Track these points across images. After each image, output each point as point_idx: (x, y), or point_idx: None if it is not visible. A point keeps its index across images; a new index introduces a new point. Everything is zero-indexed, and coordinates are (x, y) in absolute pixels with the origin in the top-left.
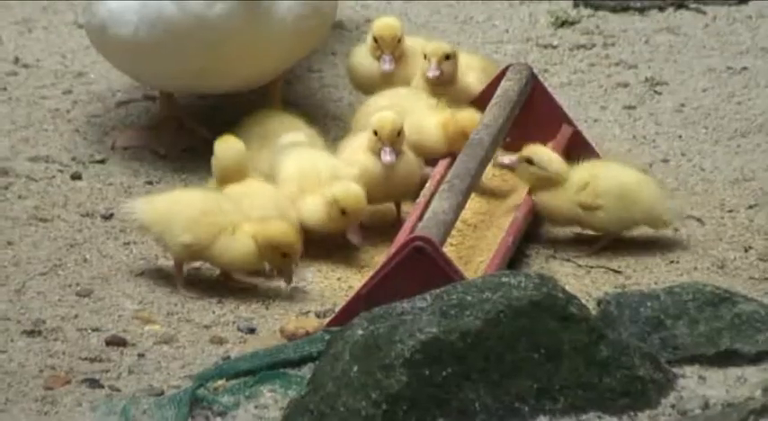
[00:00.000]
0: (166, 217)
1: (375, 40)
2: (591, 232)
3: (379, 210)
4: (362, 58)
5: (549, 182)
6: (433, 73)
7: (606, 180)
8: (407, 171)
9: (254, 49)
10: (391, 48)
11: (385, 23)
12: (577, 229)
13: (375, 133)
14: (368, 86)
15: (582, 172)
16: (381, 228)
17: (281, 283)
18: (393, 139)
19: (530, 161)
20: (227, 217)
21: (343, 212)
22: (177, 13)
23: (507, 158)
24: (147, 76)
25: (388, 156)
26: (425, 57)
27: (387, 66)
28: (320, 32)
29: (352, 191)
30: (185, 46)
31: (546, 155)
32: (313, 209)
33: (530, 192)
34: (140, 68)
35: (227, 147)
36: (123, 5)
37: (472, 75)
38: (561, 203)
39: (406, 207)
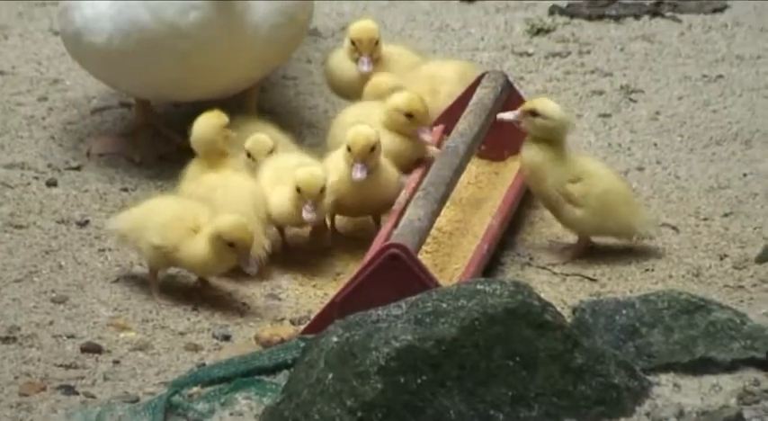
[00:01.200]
0: (141, 223)
1: (353, 42)
2: (564, 238)
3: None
4: (340, 61)
5: (555, 133)
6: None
7: (596, 181)
8: (382, 185)
9: (228, 58)
10: (369, 49)
11: (362, 26)
12: (552, 237)
13: (348, 149)
14: (345, 90)
15: (578, 165)
16: (358, 236)
17: (256, 291)
18: (365, 155)
19: (534, 113)
20: (197, 220)
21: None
22: (151, 21)
23: (510, 114)
24: (122, 84)
25: (358, 173)
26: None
27: (365, 67)
28: (295, 40)
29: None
30: (159, 54)
31: (549, 105)
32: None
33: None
34: (115, 76)
35: (208, 121)
36: (98, 14)
37: (444, 88)
38: (551, 185)
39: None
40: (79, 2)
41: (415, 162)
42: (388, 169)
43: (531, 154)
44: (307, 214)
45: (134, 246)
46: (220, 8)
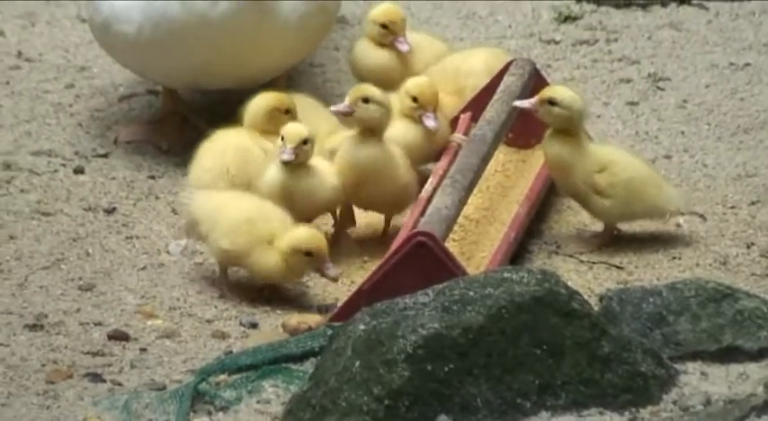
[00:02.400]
0: (213, 219)
1: (384, 26)
2: (591, 226)
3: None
4: (364, 49)
5: (572, 122)
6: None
7: (621, 170)
8: (312, 185)
9: (257, 47)
10: (403, 30)
11: (389, 8)
12: (579, 225)
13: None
14: (370, 78)
15: (601, 154)
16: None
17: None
18: (298, 148)
19: (552, 102)
20: (271, 228)
21: None
22: (181, 12)
23: (527, 102)
24: (150, 73)
25: (285, 155)
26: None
27: (405, 46)
28: (324, 29)
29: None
30: (189, 45)
31: (568, 94)
32: None
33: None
34: (144, 65)
35: (262, 100)
36: (127, 4)
37: (470, 82)
38: (578, 174)
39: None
40: None
41: (438, 152)
42: (322, 168)
43: (554, 149)
44: (285, 155)
45: (202, 237)
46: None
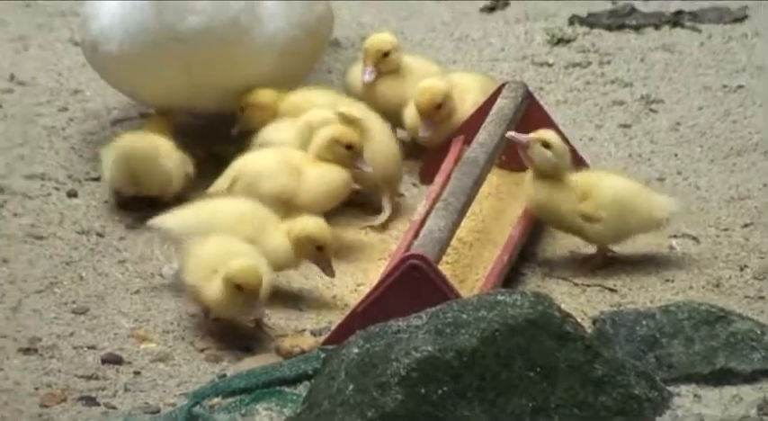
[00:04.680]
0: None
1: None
2: (584, 249)
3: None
4: (358, 75)
5: (555, 170)
6: (368, 76)
7: (605, 191)
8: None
9: (236, 69)
10: (374, 60)
11: (373, 37)
12: (573, 248)
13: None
14: (365, 102)
15: (582, 181)
16: (379, 248)
17: (276, 302)
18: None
19: (547, 145)
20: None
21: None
22: (156, 26)
23: (523, 136)
24: (136, 93)
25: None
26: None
27: (366, 76)
28: (315, 54)
29: None
30: (165, 61)
31: (560, 142)
32: None
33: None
34: (129, 85)
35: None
36: (111, 22)
37: (470, 97)
38: (564, 210)
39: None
40: (97, 10)
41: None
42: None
43: (534, 192)
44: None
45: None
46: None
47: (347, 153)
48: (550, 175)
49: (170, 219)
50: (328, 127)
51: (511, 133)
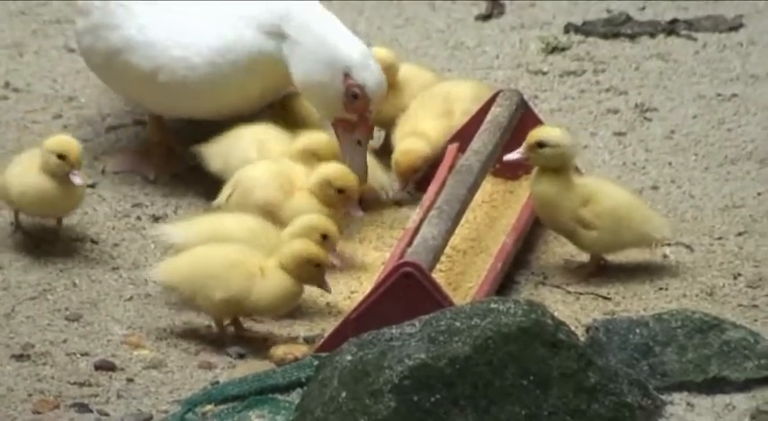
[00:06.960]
0: (195, 276)
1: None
2: (578, 257)
3: (371, 232)
4: None
5: (565, 159)
6: None
7: (605, 200)
8: None
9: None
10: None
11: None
12: (566, 256)
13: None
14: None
15: (584, 187)
16: (370, 255)
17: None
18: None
19: (541, 145)
20: (254, 261)
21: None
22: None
23: (515, 154)
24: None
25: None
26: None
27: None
28: None
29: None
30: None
31: (555, 133)
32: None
33: (531, 197)
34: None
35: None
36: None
37: (459, 106)
38: (564, 210)
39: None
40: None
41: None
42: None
43: (542, 187)
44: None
45: (187, 298)
46: None
47: (338, 196)
48: (556, 169)
49: (175, 230)
50: (327, 165)
51: (506, 157)
